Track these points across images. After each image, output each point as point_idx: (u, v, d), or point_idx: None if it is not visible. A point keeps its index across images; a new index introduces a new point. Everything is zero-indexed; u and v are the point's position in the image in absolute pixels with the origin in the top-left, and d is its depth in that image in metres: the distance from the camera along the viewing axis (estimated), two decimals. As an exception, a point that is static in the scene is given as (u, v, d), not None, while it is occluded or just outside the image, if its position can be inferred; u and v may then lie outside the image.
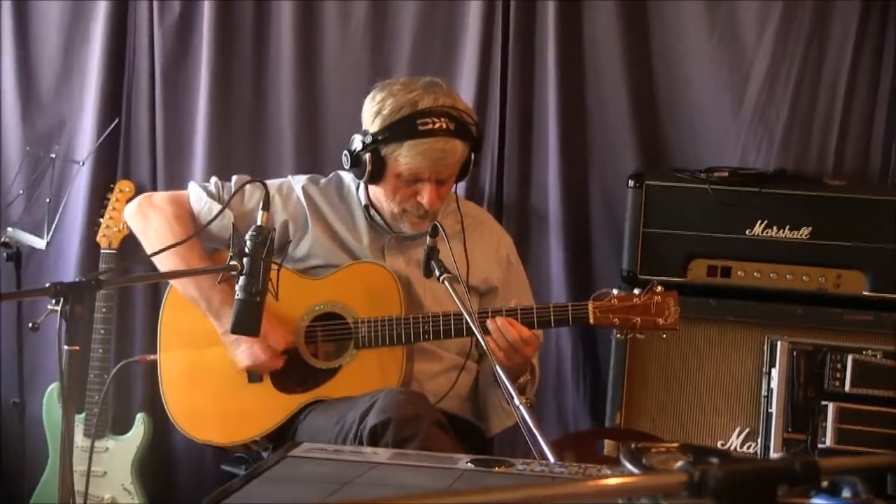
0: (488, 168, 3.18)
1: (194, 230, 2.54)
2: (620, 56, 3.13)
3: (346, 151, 2.53)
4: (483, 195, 3.20)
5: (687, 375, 2.85)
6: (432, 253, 2.30)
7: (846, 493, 1.15)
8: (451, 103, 2.48)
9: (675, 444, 1.20)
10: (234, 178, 2.63)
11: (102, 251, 3.20)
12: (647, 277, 2.65)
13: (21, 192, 3.25)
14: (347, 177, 2.67)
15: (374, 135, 2.47)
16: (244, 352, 2.50)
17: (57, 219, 3.14)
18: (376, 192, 2.56)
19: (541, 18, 3.15)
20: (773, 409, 2.04)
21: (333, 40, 3.25)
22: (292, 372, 2.54)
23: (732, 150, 3.09)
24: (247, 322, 2.01)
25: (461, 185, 2.74)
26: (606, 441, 2.43)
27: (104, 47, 3.28)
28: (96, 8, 3.28)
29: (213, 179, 2.68)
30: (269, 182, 2.52)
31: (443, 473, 1.66)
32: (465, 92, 3.05)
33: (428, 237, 2.32)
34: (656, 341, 2.48)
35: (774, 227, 2.83)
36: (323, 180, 2.69)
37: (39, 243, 3.13)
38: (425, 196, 2.49)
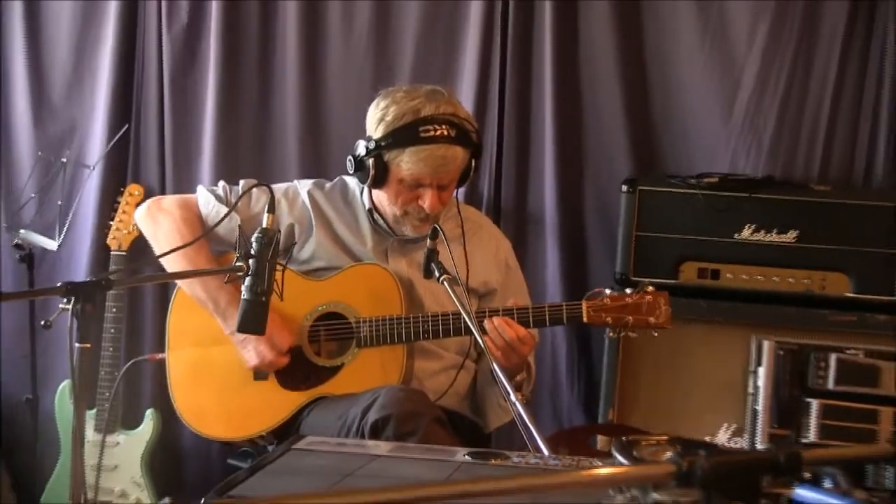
0: (487, 173, 3.19)
1: (202, 233, 2.55)
2: (615, 65, 3.14)
3: (350, 157, 2.54)
4: (482, 200, 3.20)
5: (677, 373, 2.86)
6: (432, 255, 2.31)
7: (827, 484, 1.16)
8: (452, 111, 2.49)
9: (665, 437, 1.22)
10: (242, 182, 2.64)
11: (112, 253, 3.21)
12: (640, 279, 2.66)
13: (33, 195, 3.26)
14: (352, 181, 2.68)
15: (377, 141, 2.48)
16: (250, 351, 2.52)
17: (68, 221, 3.15)
18: (379, 196, 2.57)
19: (538, 30, 3.16)
20: (760, 406, 2.05)
21: (337, 47, 3.26)
22: (296, 370, 2.55)
23: (723, 156, 3.10)
24: (253, 321, 2.01)
25: (461, 190, 2.75)
26: (599, 436, 2.44)
27: (114, 54, 3.28)
28: (106, 15, 3.29)
29: (221, 183, 2.69)
30: (275, 186, 2.53)
31: (441, 465, 1.67)
32: (465, 100, 3.06)
33: (428, 240, 2.33)
34: (648, 341, 2.50)
35: (762, 231, 2.84)
36: (328, 185, 2.70)
37: (51, 245, 3.13)
38: (427, 201, 2.50)
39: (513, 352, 2.39)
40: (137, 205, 2.90)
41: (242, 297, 2.00)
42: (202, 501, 1.43)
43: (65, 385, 3.24)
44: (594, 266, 3.20)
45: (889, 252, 2.79)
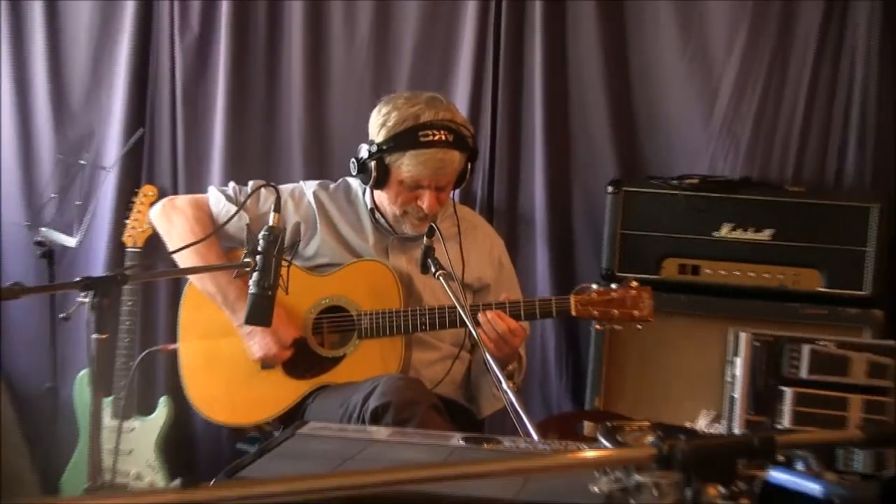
0: (480, 175, 3.19)
1: (213, 231, 2.55)
2: (601, 73, 3.14)
3: (353, 159, 2.54)
4: (475, 200, 3.21)
5: (659, 364, 2.87)
6: (429, 252, 2.31)
7: (800, 467, 1.16)
8: (450, 117, 2.50)
9: (647, 423, 1.22)
10: (251, 182, 2.64)
11: (128, 249, 3.20)
12: (625, 275, 2.68)
13: (54, 195, 3.26)
14: (355, 182, 2.68)
15: (379, 144, 2.49)
16: (257, 344, 2.52)
17: (87, 220, 3.16)
18: (380, 196, 2.58)
19: (528, 41, 3.16)
20: (737, 394, 2.05)
21: (339, 57, 3.26)
22: (301, 360, 2.56)
23: (703, 158, 3.11)
24: (259, 314, 2.01)
25: (456, 191, 2.75)
26: (586, 423, 2.44)
27: (129, 63, 3.29)
28: (122, 25, 3.30)
29: (231, 184, 2.69)
30: (282, 187, 2.54)
31: (437, 450, 1.67)
32: (460, 107, 3.05)
33: (425, 237, 2.33)
34: (632, 333, 2.50)
35: (739, 230, 2.85)
36: (332, 185, 2.71)
37: (70, 242, 3.14)
38: (425, 201, 2.50)
39: (505, 343, 2.39)
40: (151, 204, 2.90)
41: (250, 291, 2.00)
42: (212, 482, 1.43)
43: (83, 374, 3.23)
44: (581, 262, 3.20)
45: (858, 249, 2.80)
